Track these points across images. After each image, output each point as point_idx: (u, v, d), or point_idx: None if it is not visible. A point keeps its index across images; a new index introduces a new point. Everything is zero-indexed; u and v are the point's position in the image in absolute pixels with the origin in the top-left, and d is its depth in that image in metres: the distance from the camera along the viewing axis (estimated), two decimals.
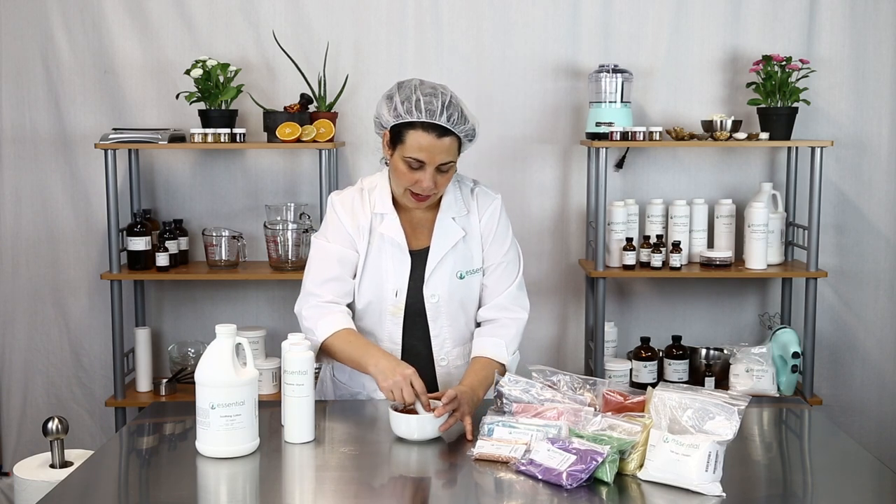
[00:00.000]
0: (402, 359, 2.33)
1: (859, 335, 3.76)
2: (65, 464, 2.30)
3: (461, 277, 2.37)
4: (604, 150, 3.36)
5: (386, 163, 2.34)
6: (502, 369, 2.32)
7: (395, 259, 2.35)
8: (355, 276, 2.37)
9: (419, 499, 1.87)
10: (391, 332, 2.37)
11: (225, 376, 1.94)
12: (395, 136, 2.24)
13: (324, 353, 2.34)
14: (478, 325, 2.44)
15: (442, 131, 2.20)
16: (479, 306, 2.42)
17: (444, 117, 2.20)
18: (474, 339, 2.39)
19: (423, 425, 2.06)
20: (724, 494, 1.76)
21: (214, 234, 3.51)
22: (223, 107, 3.44)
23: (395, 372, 2.13)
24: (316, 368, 2.24)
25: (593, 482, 1.81)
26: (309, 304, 2.35)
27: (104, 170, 3.38)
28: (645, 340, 3.55)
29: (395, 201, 2.36)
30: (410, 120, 2.21)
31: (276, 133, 3.35)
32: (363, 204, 2.36)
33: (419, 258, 2.36)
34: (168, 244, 3.45)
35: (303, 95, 3.47)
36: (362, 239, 2.35)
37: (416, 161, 2.21)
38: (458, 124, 2.22)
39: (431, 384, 2.37)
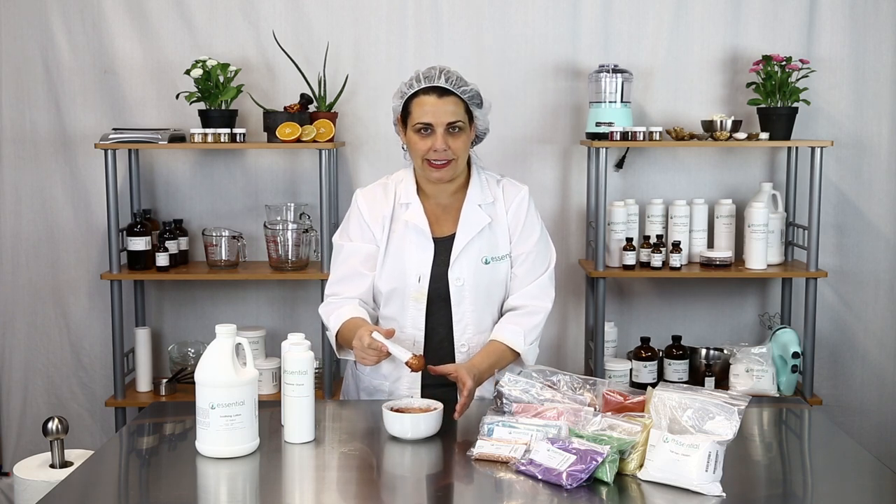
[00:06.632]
0: (425, 344, 2.39)
1: (859, 335, 3.75)
2: (65, 464, 2.29)
3: (486, 263, 2.40)
4: (604, 150, 3.36)
5: (404, 147, 2.42)
6: (515, 356, 2.36)
7: (418, 246, 2.39)
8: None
9: (419, 499, 1.86)
10: (414, 318, 2.39)
11: (225, 376, 1.94)
12: (404, 113, 2.36)
13: (342, 347, 2.39)
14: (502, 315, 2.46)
15: (441, 91, 2.31)
16: (506, 296, 2.44)
17: (441, 80, 2.32)
18: (496, 324, 2.42)
19: (416, 424, 2.06)
20: (724, 494, 1.76)
21: (214, 234, 3.51)
22: (223, 107, 3.44)
23: (359, 340, 2.17)
24: (316, 368, 2.24)
25: (593, 482, 1.81)
26: (326, 304, 2.43)
27: (104, 170, 3.38)
28: (645, 340, 3.55)
29: (420, 191, 2.42)
30: (413, 91, 2.33)
31: (276, 133, 3.35)
32: (386, 195, 2.44)
33: (444, 245, 2.40)
34: (168, 244, 3.45)
35: (303, 95, 3.47)
36: (382, 229, 2.40)
37: (424, 126, 2.30)
38: (458, 86, 2.32)
39: None
